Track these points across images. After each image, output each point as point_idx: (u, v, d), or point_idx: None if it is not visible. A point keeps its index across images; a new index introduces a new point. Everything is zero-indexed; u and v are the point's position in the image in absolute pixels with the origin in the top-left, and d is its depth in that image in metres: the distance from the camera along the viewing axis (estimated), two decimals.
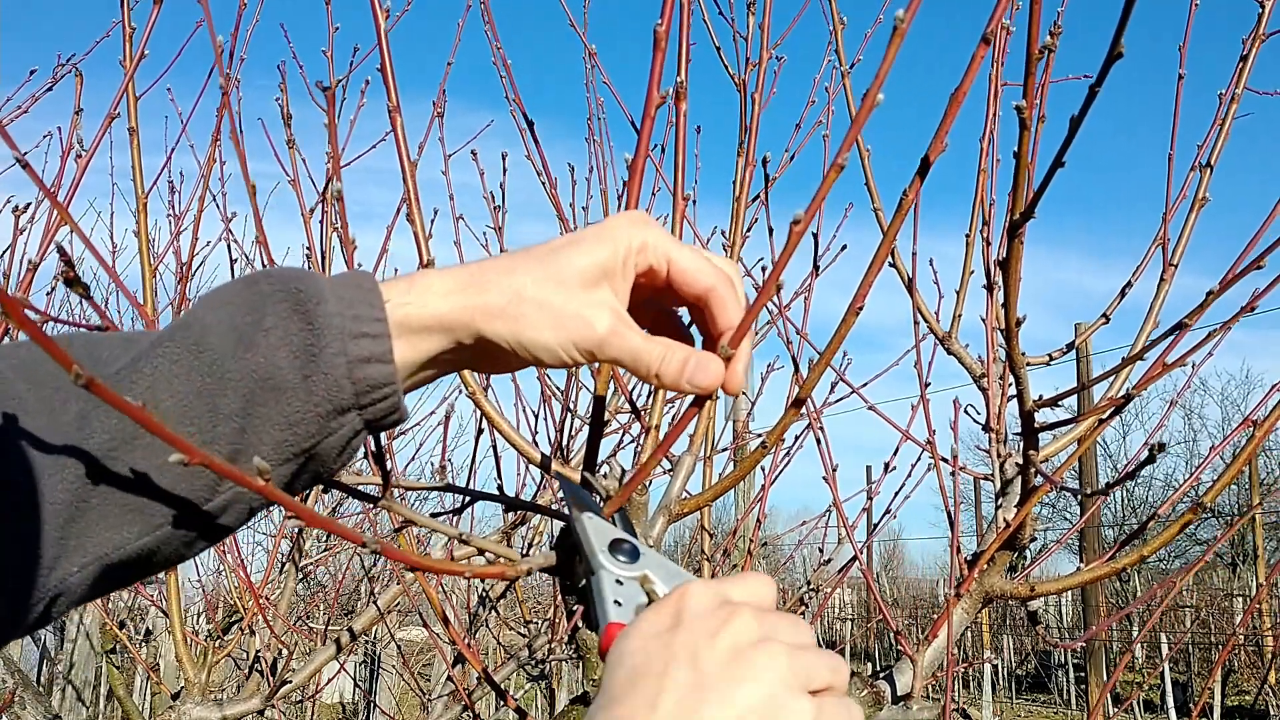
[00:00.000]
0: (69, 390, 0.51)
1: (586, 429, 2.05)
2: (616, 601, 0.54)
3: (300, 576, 3.17)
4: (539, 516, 2.60)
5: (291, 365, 0.53)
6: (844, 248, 2.06)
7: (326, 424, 0.54)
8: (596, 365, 0.63)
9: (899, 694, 1.22)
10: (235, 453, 0.53)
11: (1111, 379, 1.35)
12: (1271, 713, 11.55)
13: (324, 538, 4.93)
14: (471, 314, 0.57)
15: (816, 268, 1.76)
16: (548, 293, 0.57)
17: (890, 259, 1.63)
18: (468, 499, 0.81)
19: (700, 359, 0.59)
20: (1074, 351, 1.65)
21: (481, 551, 0.76)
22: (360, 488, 0.70)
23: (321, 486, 0.87)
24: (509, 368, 0.62)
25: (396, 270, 4.72)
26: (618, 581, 0.55)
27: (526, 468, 2.72)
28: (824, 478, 1.49)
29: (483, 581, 2.92)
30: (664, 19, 0.58)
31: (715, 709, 0.45)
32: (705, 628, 0.49)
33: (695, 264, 0.59)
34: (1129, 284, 1.50)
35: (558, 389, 2.36)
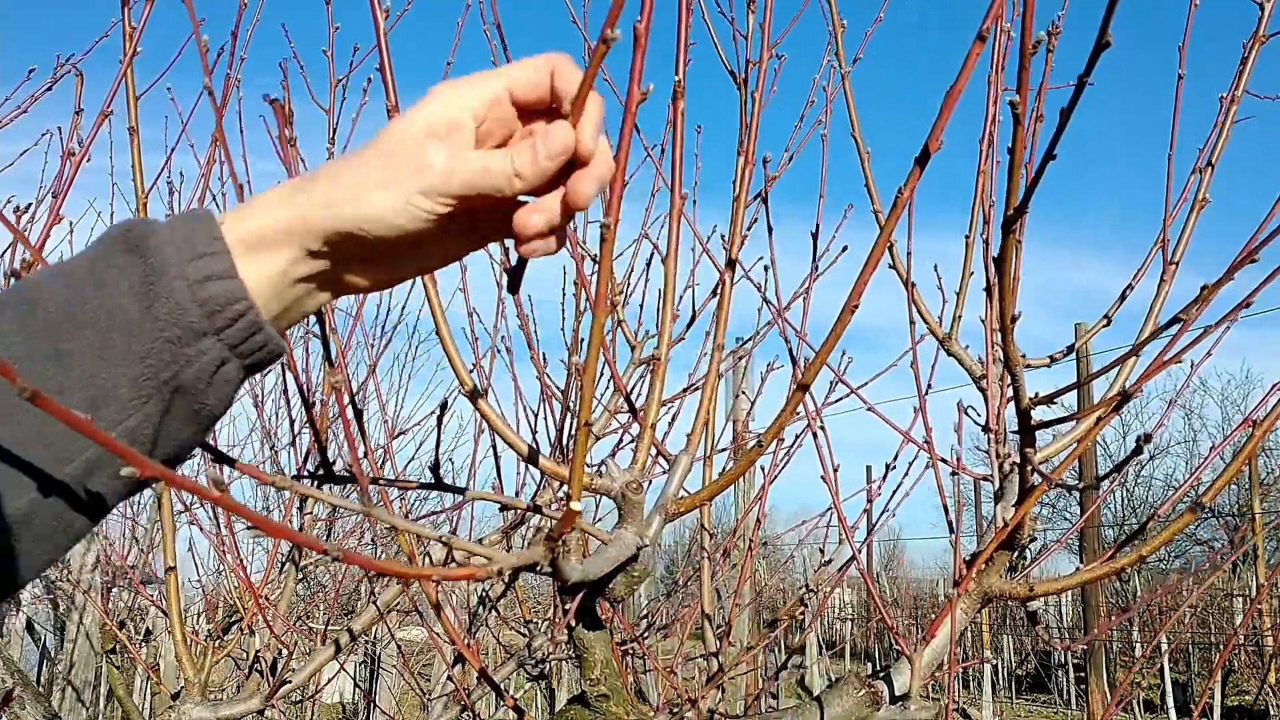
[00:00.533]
0: None
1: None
2: None
3: (300, 576, 3.17)
4: (539, 516, 2.60)
5: (133, 299, 0.52)
6: (844, 249, 2.06)
7: (180, 350, 0.52)
8: (582, 363, 0.62)
9: (897, 694, 1.21)
10: (94, 399, 0.51)
11: (1111, 373, 1.35)
12: (1271, 713, 11.54)
13: (324, 538, 4.92)
14: (304, 210, 0.56)
15: (816, 268, 1.76)
16: (374, 161, 0.56)
17: (890, 260, 1.63)
18: (462, 499, 0.81)
19: (547, 131, 0.57)
20: (1074, 354, 1.65)
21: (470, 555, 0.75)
22: (346, 491, 0.69)
23: (309, 494, 0.87)
24: (388, 273, 0.60)
25: None
26: None
27: (526, 468, 2.72)
28: (822, 477, 1.49)
29: (483, 581, 2.91)
30: (643, 16, 0.58)
31: None
32: None
33: (522, 64, 0.58)
34: (1130, 286, 1.50)
35: (558, 388, 2.36)
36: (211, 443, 0.76)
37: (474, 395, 0.84)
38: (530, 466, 2.53)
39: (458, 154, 0.56)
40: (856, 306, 0.68)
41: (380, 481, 0.93)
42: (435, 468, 0.93)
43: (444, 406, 1.00)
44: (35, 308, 0.51)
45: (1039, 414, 1.01)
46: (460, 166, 0.56)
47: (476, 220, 0.60)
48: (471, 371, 1.19)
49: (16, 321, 0.51)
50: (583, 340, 2.25)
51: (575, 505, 0.60)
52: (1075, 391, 1.23)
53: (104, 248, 0.53)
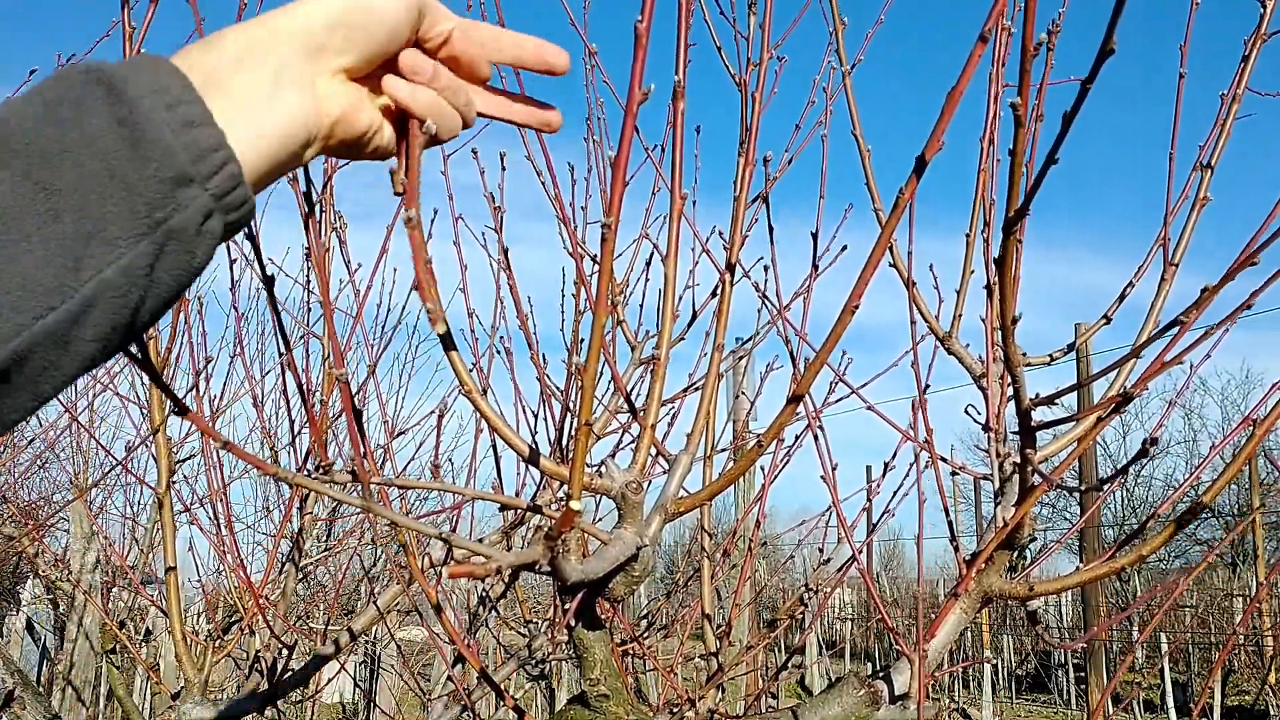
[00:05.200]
0: None
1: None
2: None
3: (300, 576, 3.17)
4: (539, 516, 2.60)
5: (116, 136, 0.49)
6: (844, 248, 2.06)
7: (172, 194, 0.51)
8: (583, 364, 0.63)
9: (897, 694, 1.21)
10: (83, 234, 0.49)
11: (1111, 375, 1.34)
12: (1271, 713, 11.54)
13: (324, 537, 4.93)
14: (279, 20, 0.56)
15: (816, 268, 1.76)
16: None
17: (890, 259, 1.62)
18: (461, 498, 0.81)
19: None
20: (1074, 352, 1.65)
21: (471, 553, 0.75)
22: (347, 489, 0.69)
23: (313, 487, 0.87)
24: (355, 115, 0.61)
25: (395, 270, 4.72)
26: None
27: (526, 468, 2.72)
28: (822, 477, 1.49)
29: (482, 581, 2.92)
30: (644, 16, 0.58)
31: None
32: None
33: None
34: (1130, 285, 1.50)
35: (558, 389, 2.36)
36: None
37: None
38: (530, 467, 2.53)
39: None
40: (857, 307, 0.68)
41: (382, 481, 0.93)
42: (435, 467, 0.93)
43: (443, 409, 1.00)
44: (11, 135, 0.48)
45: (1039, 414, 1.01)
46: None
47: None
48: (471, 371, 1.19)
49: None
50: (583, 340, 2.25)
51: (575, 505, 0.60)
52: (1075, 392, 1.23)
53: (63, 83, 0.50)
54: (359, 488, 0.82)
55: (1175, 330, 0.96)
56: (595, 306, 0.59)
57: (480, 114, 0.67)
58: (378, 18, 0.58)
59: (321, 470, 0.92)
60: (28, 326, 0.48)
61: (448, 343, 0.73)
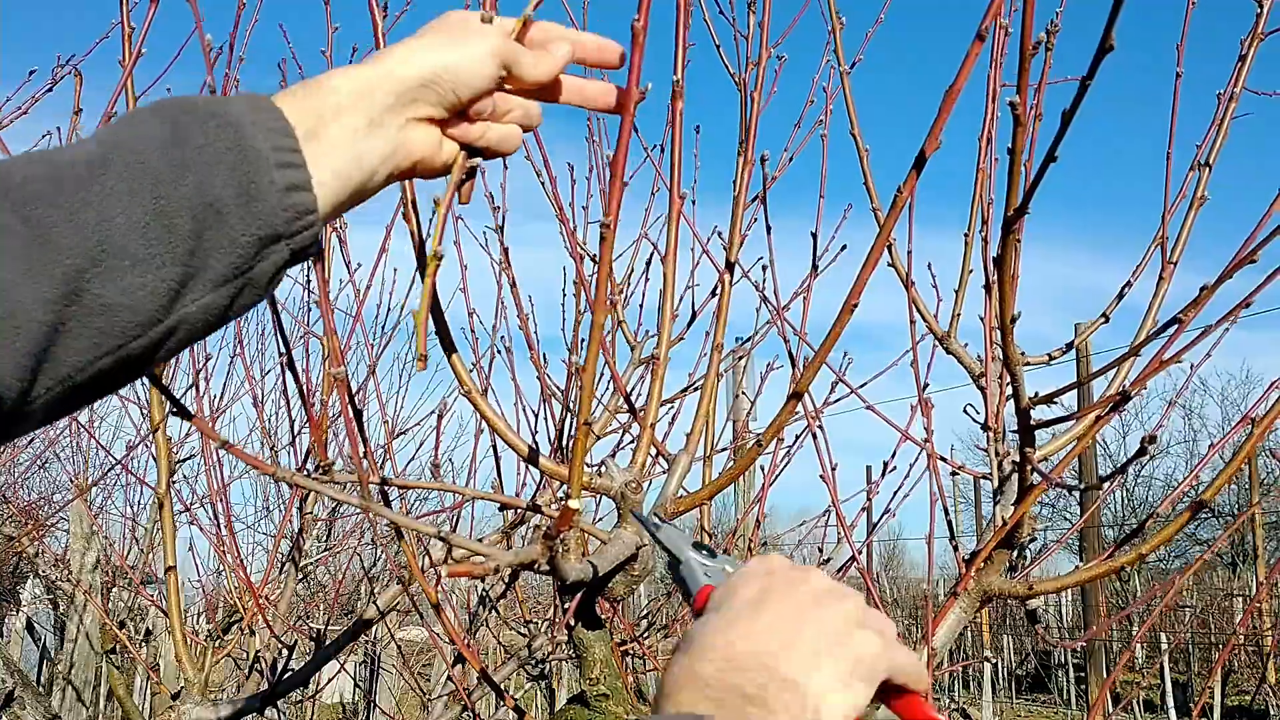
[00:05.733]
0: (22, 206, 0.51)
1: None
2: (706, 575, 0.65)
3: (300, 576, 3.17)
4: (539, 516, 2.60)
5: (229, 188, 0.55)
6: (843, 248, 2.06)
7: (262, 250, 0.57)
8: (582, 364, 0.63)
9: None
10: (186, 276, 0.55)
11: (1110, 375, 1.35)
12: (1271, 712, 11.54)
13: (324, 537, 4.93)
14: (378, 75, 0.62)
15: (815, 268, 1.76)
16: (437, 31, 0.66)
17: (889, 258, 1.62)
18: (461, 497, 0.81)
19: (556, 46, 0.71)
20: (1073, 351, 1.65)
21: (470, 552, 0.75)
22: (347, 488, 0.70)
23: (314, 487, 0.87)
24: (431, 149, 0.67)
25: (396, 270, 4.72)
26: (704, 567, 0.66)
27: (526, 468, 2.72)
28: (821, 477, 1.49)
29: (482, 580, 2.92)
30: (641, 15, 0.59)
31: (812, 625, 0.55)
32: (791, 576, 0.59)
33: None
34: (1128, 283, 1.50)
35: (558, 388, 2.36)
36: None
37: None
38: (530, 466, 2.53)
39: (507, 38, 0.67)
40: (855, 305, 0.68)
41: (382, 482, 0.93)
42: (435, 467, 0.93)
43: (443, 410, 1.00)
44: (144, 172, 0.54)
45: (1038, 413, 1.01)
46: (514, 44, 0.67)
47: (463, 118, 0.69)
48: (471, 371, 1.19)
49: (129, 185, 0.53)
50: (583, 340, 2.25)
51: (573, 504, 0.61)
52: (1075, 391, 1.23)
53: (194, 120, 0.56)
54: (359, 488, 0.83)
55: (1174, 329, 0.96)
56: (594, 306, 0.60)
57: (560, 102, 0.75)
58: (465, 80, 0.65)
59: (321, 470, 0.92)
60: (113, 351, 0.53)
61: (448, 345, 0.74)
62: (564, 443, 2.33)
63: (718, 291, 1.70)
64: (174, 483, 2.11)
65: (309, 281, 2.87)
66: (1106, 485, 1.38)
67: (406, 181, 1.03)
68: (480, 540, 2.26)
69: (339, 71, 0.62)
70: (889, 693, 0.60)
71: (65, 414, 0.57)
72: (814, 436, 1.54)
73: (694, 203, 1.99)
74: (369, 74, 0.62)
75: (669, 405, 2.27)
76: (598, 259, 2.10)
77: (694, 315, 2.24)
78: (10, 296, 0.49)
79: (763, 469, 2.05)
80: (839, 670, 0.55)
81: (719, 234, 2.15)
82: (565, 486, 0.68)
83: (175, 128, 0.55)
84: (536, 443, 2.47)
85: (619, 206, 0.65)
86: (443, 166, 0.68)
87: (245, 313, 0.60)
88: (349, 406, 0.87)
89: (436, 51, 0.64)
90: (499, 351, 2.43)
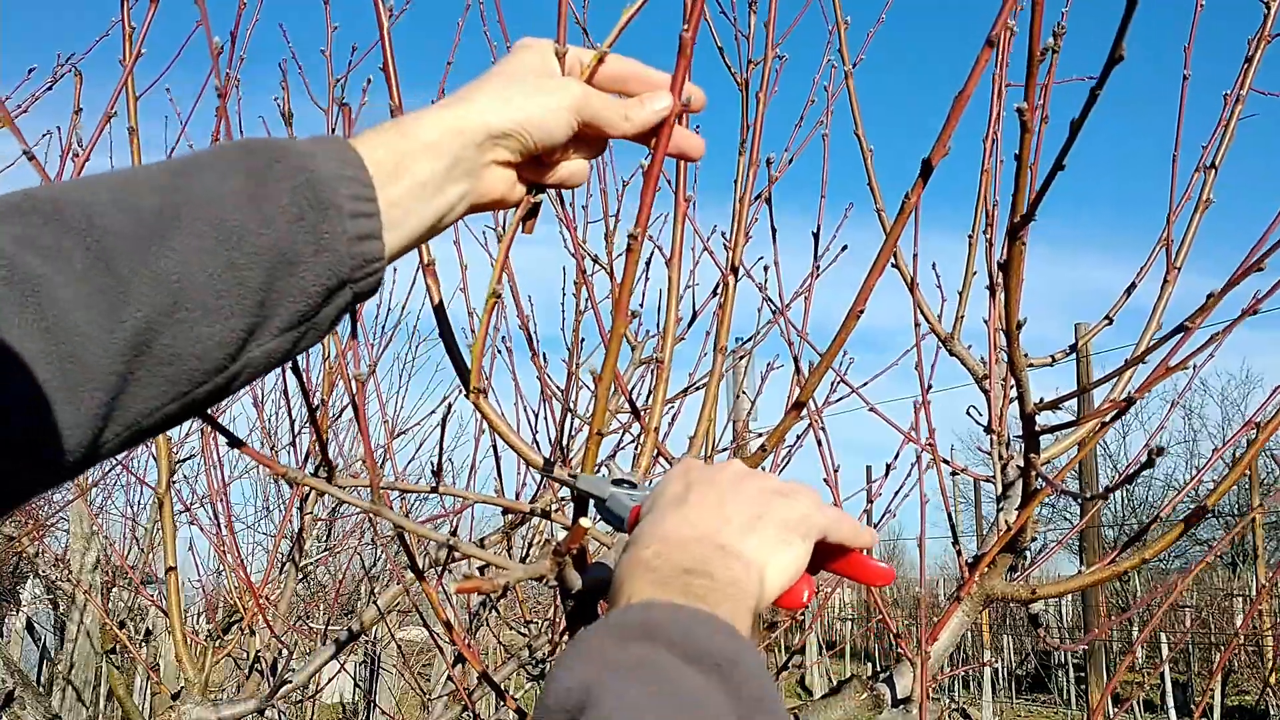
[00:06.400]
0: (101, 255, 0.52)
1: (587, 429, 2.05)
2: (633, 501, 0.68)
3: (300, 576, 3.16)
4: (540, 519, 2.59)
5: (303, 240, 0.56)
6: (844, 248, 2.05)
7: (329, 297, 0.58)
8: (599, 373, 0.63)
9: (899, 697, 1.21)
10: (254, 325, 0.56)
11: (1114, 381, 1.34)
12: (1271, 713, 11.54)
13: (324, 537, 4.92)
14: (459, 120, 0.64)
15: (817, 268, 1.76)
16: (519, 80, 0.67)
17: (893, 260, 1.62)
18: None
19: (654, 94, 0.71)
20: (1075, 354, 1.64)
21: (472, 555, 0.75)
22: (353, 491, 0.69)
23: (321, 487, 0.86)
24: (506, 190, 0.69)
25: (396, 269, 4.71)
26: (629, 496, 0.69)
27: (526, 469, 2.71)
28: (825, 480, 1.48)
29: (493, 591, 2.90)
30: (690, 25, 0.59)
31: (736, 501, 0.60)
32: (709, 469, 0.64)
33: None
34: (1132, 285, 1.49)
35: (558, 388, 2.36)
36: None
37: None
38: (536, 472, 2.52)
39: (586, 87, 0.68)
40: (862, 311, 0.67)
41: (389, 486, 0.92)
42: (438, 471, 0.93)
43: (447, 411, 0.99)
44: (224, 226, 0.55)
45: (1043, 419, 1.01)
46: (594, 96, 0.68)
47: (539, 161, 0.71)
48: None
49: (211, 239, 0.54)
50: (583, 340, 2.24)
51: (585, 522, 0.62)
52: (1078, 396, 1.22)
53: (277, 172, 0.57)
54: (370, 490, 0.82)
55: (1180, 336, 0.96)
56: (615, 314, 0.61)
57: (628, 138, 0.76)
58: (547, 132, 0.67)
59: (326, 470, 0.92)
60: (179, 398, 0.54)
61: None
62: (564, 442, 2.32)
63: (720, 293, 1.70)
64: (174, 483, 2.10)
65: None
66: (1111, 495, 1.38)
67: None
68: (482, 540, 2.26)
69: (428, 114, 0.65)
70: (832, 554, 0.64)
71: (129, 449, 0.58)
72: (819, 443, 1.53)
73: (694, 204, 1.99)
74: (455, 118, 0.64)
75: (670, 405, 2.27)
76: (598, 258, 2.09)
77: (694, 315, 2.24)
78: (89, 350, 0.49)
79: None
80: (771, 533, 0.59)
81: (722, 234, 2.14)
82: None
83: (259, 183, 0.56)
84: (537, 442, 2.47)
85: (649, 217, 0.66)
86: (517, 201, 0.71)
87: (305, 352, 0.62)
88: (363, 409, 0.87)
89: (520, 103, 0.66)
90: (499, 351, 2.42)
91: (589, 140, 0.71)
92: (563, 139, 0.68)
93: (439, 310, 0.85)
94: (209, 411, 0.65)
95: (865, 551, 0.67)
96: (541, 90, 0.67)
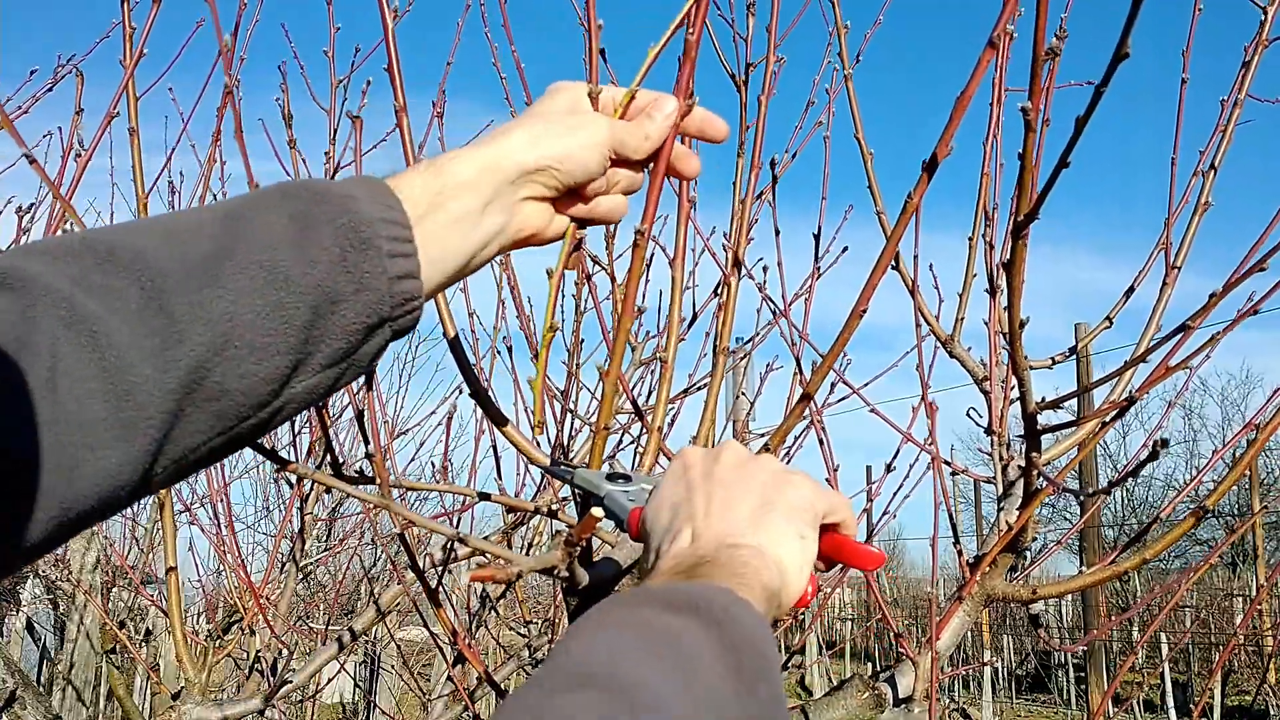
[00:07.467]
0: (155, 295, 0.53)
1: (587, 428, 2.05)
2: (630, 499, 0.67)
3: (300, 576, 3.17)
4: (541, 517, 2.60)
5: (345, 279, 0.58)
6: (845, 249, 2.06)
7: (369, 334, 0.60)
8: (606, 367, 0.64)
9: (901, 696, 1.21)
10: (298, 362, 0.57)
11: (1114, 381, 1.35)
12: (1271, 713, 11.55)
13: (324, 537, 4.92)
14: (495, 157, 0.65)
15: (818, 269, 1.76)
16: (552, 119, 0.69)
17: (894, 261, 1.62)
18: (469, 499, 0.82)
19: (657, 107, 0.73)
20: (1075, 355, 1.65)
21: (479, 551, 0.75)
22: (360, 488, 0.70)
23: (324, 487, 0.87)
24: (544, 222, 0.70)
25: None
26: (625, 494, 0.69)
27: (527, 468, 2.72)
28: (826, 479, 1.49)
29: (500, 582, 2.91)
30: (694, 28, 0.60)
31: (744, 498, 0.60)
32: (706, 465, 0.64)
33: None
34: (1132, 288, 1.50)
35: (558, 389, 2.36)
36: None
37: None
38: (530, 467, 2.52)
39: (614, 121, 0.71)
40: (864, 312, 0.68)
41: (397, 484, 0.93)
42: (443, 469, 0.93)
43: (452, 412, 1.00)
44: (274, 268, 0.56)
45: (1043, 418, 1.01)
46: (620, 128, 0.71)
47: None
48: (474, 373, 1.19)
49: (260, 280, 0.56)
50: (583, 341, 2.25)
51: (597, 511, 0.63)
52: (1079, 396, 1.23)
53: (323, 216, 0.59)
54: (380, 488, 0.83)
55: (1180, 336, 0.96)
56: (623, 308, 0.62)
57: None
58: (581, 167, 0.69)
59: (332, 466, 0.92)
60: (225, 432, 0.56)
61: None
62: (564, 442, 2.33)
63: (721, 293, 1.70)
64: None
65: None
66: (1110, 490, 1.38)
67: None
68: (485, 539, 2.26)
69: (463, 153, 0.66)
70: (823, 538, 0.65)
71: (176, 482, 0.60)
72: (820, 442, 1.54)
73: (694, 205, 1.99)
74: (490, 156, 0.66)
75: (670, 406, 2.27)
76: (596, 258, 2.09)
77: (695, 315, 2.24)
78: (143, 390, 0.51)
79: None
80: (784, 525, 0.60)
81: (723, 235, 2.14)
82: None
83: (304, 227, 0.58)
84: (537, 442, 2.47)
85: (655, 213, 0.66)
86: (553, 237, 0.72)
87: (341, 389, 0.63)
88: (371, 404, 0.87)
89: (551, 141, 0.68)
90: (499, 351, 2.43)
91: (624, 174, 0.73)
92: (597, 172, 0.70)
93: (454, 344, 0.86)
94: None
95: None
96: (573, 128, 0.69)
